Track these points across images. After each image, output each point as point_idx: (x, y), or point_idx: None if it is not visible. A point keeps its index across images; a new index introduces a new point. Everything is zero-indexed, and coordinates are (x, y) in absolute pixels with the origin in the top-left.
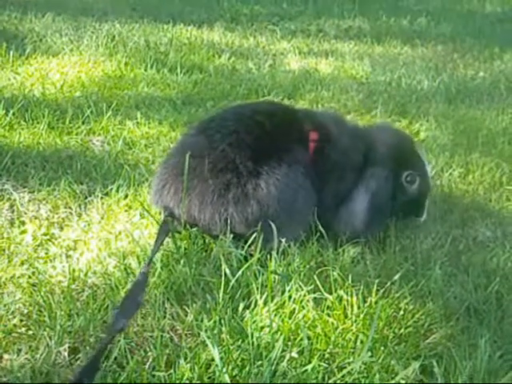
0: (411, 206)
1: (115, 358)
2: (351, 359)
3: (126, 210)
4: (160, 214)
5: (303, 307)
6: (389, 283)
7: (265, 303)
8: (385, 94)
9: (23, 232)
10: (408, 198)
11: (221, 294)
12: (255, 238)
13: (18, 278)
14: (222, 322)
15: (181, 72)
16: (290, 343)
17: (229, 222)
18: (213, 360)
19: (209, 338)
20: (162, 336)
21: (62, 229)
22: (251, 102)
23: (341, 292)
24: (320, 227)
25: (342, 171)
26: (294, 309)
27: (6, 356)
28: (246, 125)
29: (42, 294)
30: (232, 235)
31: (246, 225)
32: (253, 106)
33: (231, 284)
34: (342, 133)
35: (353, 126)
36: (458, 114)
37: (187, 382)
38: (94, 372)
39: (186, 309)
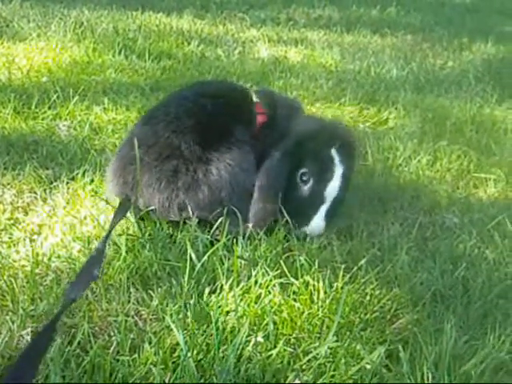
0: (299, 208)
1: (79, 343)
2: (317, 344)
3: (91, 195)
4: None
5: (269, 292)
6: (355, 268)
7: (230, 288)
8: (354, 82)
9: None
10: (297, 197)
11: (186, 279)
12: (221, 222)
13: None
14: (187, 306)
15: (149, 59)
16: (255, 328)
17: (182, 208)
18: (177, 344)
19: (174, 322)
20: (126, 320)
21: (26, 213)
22: (197, 82)
23: (307, 277)
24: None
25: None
26: (260, 294)
27: None
28: (188, 109)
29: (5, 278)
30: (197, 220)
31: (200, 210)
32: (197, 87)
33: (197, 269)
34: (287, 120)
35: (303, 115)
36: (426, 103)
37: (151, 366)
38: (47, 342)
39: (151, 293)
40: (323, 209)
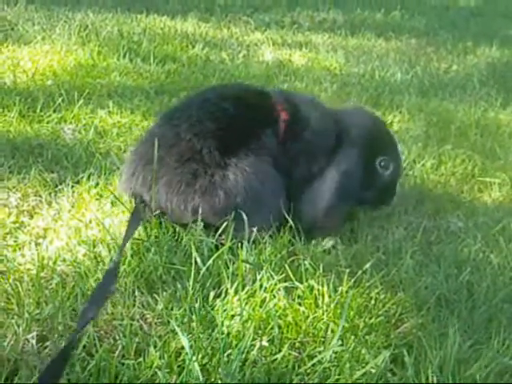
0: (382, 192)
1: (84, 346)
2: (322, 348)
3: (96, 199)
4: (131, 201)
5: (274, 296)
6: (360, 272)
7: (235, 292)
8: (358, 85)
9: None
10: (380, 183)
11: (191, 283)
12: (226, 226)
13: None
14: (192, 310)
15: (154, 62)
16: (260, 332)
17: (196, 211)
18: (182, 348)
19: (179, 326)
20: (131, 324)
21: (31, 217)
22: (219, 85)
23: (312, 281)
24: (288, 217)
25: (313, 152)
26: (265, 298)
27: None
28: (211, 112)
29: (11, 281)
30: (202, 224)
31: (213, 214)
32: (219, 90)
33: (202, 272)
34: (315, 113)
35: (326, 107)
36: (430, 107)
37: (156, 369)
38: (64, 362)
39: (156, 297)
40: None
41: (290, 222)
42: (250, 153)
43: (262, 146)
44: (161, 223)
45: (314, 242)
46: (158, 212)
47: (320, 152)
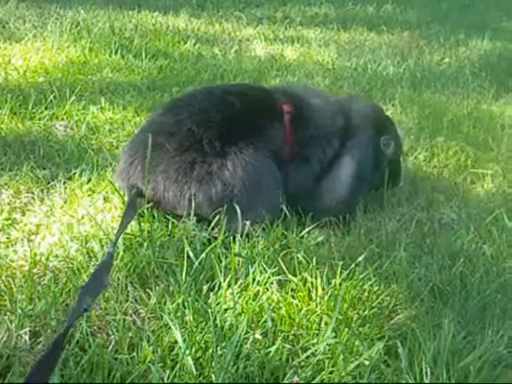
0: (389, 171)
1: (77, 342)
2: (315, 340)
3: (89, 195)
4: (125, 194)
5: (267, 289)
6: (353, 265)
7: (228, 285)
8: (350, 79)
9: None
10: (385, 163)
11: (184, 277)
12: (219, 220)
13: None
14: (186, 304)
15: (146, 58)
16: (253, 325)
17: (192, 201)
18: (176, 342)
19: (172, 320)
20: (124, 319)
21: (23, 213)
22: (224, 83)
23: (305, 274)
24: (284, 208)
25: (325, 135)
26: (258, 291)
27: None
28: (216, 104)
29: (3, 278)
30: (195, 217)
31: (209, 205)
32: (224, 87)
33: (195, 266)
34: (318, 100)
35: (326, 96)
36: (423, 99)
37: (150, 364)
38: (58, 353)
39: (149, 292)
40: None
41: (288, 214)
42: (251, 145)
43: (265, 140)
44: (154, 217)
45: (306, 235)
46: (152, 203)
47: (332, 134)
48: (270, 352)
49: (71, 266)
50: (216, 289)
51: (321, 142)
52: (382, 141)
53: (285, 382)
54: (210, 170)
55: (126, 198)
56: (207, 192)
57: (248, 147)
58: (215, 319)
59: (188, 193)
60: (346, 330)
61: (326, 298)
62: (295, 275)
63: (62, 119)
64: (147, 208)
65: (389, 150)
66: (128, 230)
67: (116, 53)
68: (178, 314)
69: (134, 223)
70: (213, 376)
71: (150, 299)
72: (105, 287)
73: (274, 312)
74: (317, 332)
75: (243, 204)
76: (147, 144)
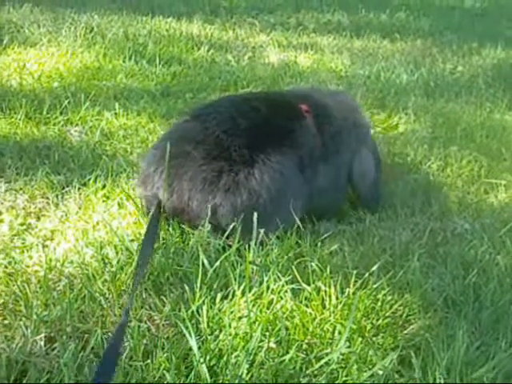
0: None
1: (92, 348)
2: (329, 350)
3: (103, 201)
4: (144, 202)
5: (281, 298)
6: (367, 274)
7: (243, 293)
8: (363, 87)
9: (0, 222)
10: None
11: (198, 285)
12: (233, 228)
13: None
14: (200, 312)
15: (159, 64)
16: (267, 333)
17: (215, 211)
18: (190, 350)
19: (186, 328)
20: (139, 326)
21: (38, 219)
22: (244, 92)
23: (319, 283)
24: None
25: (343, 133)
26: (272, 299)
27: None
28: (242, 110)
29: (19, 283)
30: (213, 225)
31: (233, 214)
32: (246, 94)
33: (209, 274)
34: (326, 98)
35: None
36: (436, 108)
37: (164, 371)
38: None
39: (164, 299)
40: None
41: (298, 223)
42: (278, 151)
43: (293, 143)
44: (168, 225)
45: (320, 243)
46: (174, 211)
47: (348, 126)
48: (284, 361)
49: (86, 272)
50: (230, 297)
51: (342, 135)
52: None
53: None
54: (236, 179)
55: (144, 206)
56: (232, 201)
57: (276, 154)
58: (229, 327)
59: (213, 202)
60: (360, 339)
61: (340, 307)
62: (309, 284)
63: (77, 124)
64: (163, 215)
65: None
66: (143, 237)
67: (130, 58)
68: (193, 321)
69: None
70: None
71: (164, 306)
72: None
73: (288, 321)
74: (330, 341)
75: (267, 212)
76: (172, 151)
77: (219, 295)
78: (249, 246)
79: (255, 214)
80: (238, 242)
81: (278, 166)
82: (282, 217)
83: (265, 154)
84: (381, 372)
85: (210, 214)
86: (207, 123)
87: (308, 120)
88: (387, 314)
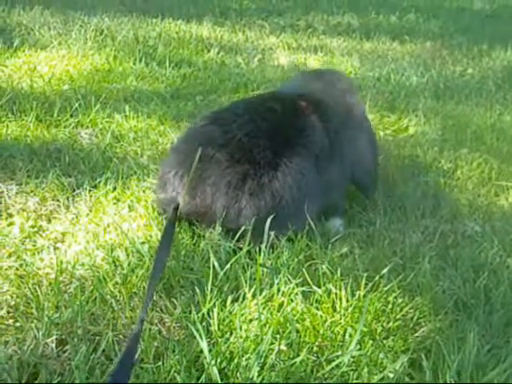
0: None
1: (103, 350)
2: (340, 352)
3: (114, 203)
4: (160, 206)
5: (292, 300)
6: (377, 277)
7: (253, 296)
8: (373, 89)
9: (11, 224)
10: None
11: (209, 287)
12: (244, 230)
13: (6, 270)
14: (211, 314)
15: (169, 66)
16: (278, 336)
17: (240, 214)
18: (201, 352)
19: (197, 330)
20: (150, 328)
21: (49, 221)
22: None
23: (329, 285)
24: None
25: (340, 126)
26: (283, 302)
27: None
28: (260, 112)
29: (30, 286)
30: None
31: (257, 215)
32: (259, 96)
33: (220, 277)
34: (322, 91)
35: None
36: (446, 110)
37: (175, 374)
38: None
39: (175, 301)
40: None
41: (313, 225)
42: (298, 151)
43: (307, 144)
44: (179, 228)
45: (330, 246)
46: (196, 214)
47: (344, 116)
48: (295, 363)
49: (97, 274)
50: (241, 299)
51: (340, 127)
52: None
53: None
54: (261, 182)
55: (160, 208)
56: (257, 205)
57: (296, 155)
58: (240, 329)
59: (237, 205)
60: (371, 342)
61: (351, 309)
62: (319, 286)
63: (87, 127)
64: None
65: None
66: (154, 239)
67: (140, 61)
68: (204, 323)
69: (157, 233)
70: None
71: (175, 309)
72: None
73: (299, 323)
74: (341, 344)
75: (289, 213)
76: (192, 155)
77: (230, 298)
78: (259, 248)
79: (271, 217)
80: (249, 244)
81: (299, 167)
82: (302, 217)
83: (286, 156)
84: (391, 375)
85: (234, 216)
86: (227, 126)
87: (312, 117)
88: (398, 317)
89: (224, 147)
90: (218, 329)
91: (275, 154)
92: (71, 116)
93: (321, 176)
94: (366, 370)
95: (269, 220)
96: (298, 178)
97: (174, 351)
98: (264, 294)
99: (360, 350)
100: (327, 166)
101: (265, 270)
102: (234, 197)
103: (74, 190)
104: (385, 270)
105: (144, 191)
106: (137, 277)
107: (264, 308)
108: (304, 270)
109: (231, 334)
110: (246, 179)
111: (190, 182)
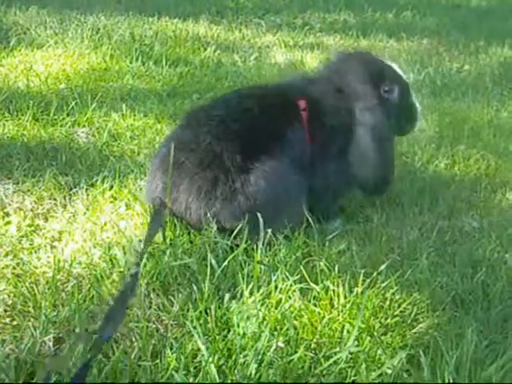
0: (402, 118)
1: (101, 349)
2: (337, 349)
3: (111, 201)
4: (150, 207)
5: (289, 297)
6: (375, 273)
7: (251, 293)
8: None
9: (8, 223)
10: (395, 109)
11: (206, 285)
12: (241, 228)
13: (3, 268)
14: (208, 312)
15: (166, 64)
16: (276, 333)
17: (216, 218)
18: (199, 350)
19: (195, 328)
20: (147, 326)
21: (46, 220)
22: (242, 87)
23: (327, 282)
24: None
25: (340, 128)
26: (281, 299)
27: None
28: (233, 112)
29: (27, 284)
30: (218, 227)
31: (233, 220)
32: (242, 91)
33: (217, 274)
34: (325, 89)
35: (326, 72)
36: (443, 107)
37: (173, 371)
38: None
39: (172, 299)
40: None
41: (310, 219)
42: (272, 155)
43: (287, 144)
44: (176, 225)
45: (328, 243)
46: (177, 217)
47: (345, 119)
48: (293, 360)
49: (94, 272)
50: (238, 296)
51: (338, 130)
52: (383, 89)
53: None
54: (233, 187)
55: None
56: (231, 209)
57: (270, 158)
58: (238, 327)
59: (212, 210)
60: (369, 338)
61: (348, 306)
62: (317, 283)
63: (84, 126)
64: (169, 216)
65: (394, 96)
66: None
67: (137, 60)
68: (201, 321)
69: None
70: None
71: (172, 306)
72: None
73: (296, 320)
74: (339, 340)
75: (268, 217)
76: (168, 160)
77: (227, 295)
78: (256, 246)
79: (259, 217)
80: (246, 242)
81: (272, 169)
82: (280, 220)
83: (258, 160)
84: (389, 371)
85: (210, 221)
86: (198, 129)
87: (303, 116)
88: (396, 313)
89: (194, 152)
90: (216, 326)
91: (247, 158)
92: (68, 115)
93: (304, 178)
94: (363, 366)
95: (246, 224)
96: (272, 181)
97: (171, 349)
98: (262, 291)
99: (358, 346)
100: (315, 167)
101: (262, 267)
102: (207, 202)
103: (70, 189)
104: (383, 267)
105: (141, 189)
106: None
107: (262, 305)
108: (302, 266)
109: (229, 331)
110: (218, 184)
111: (164, 187)
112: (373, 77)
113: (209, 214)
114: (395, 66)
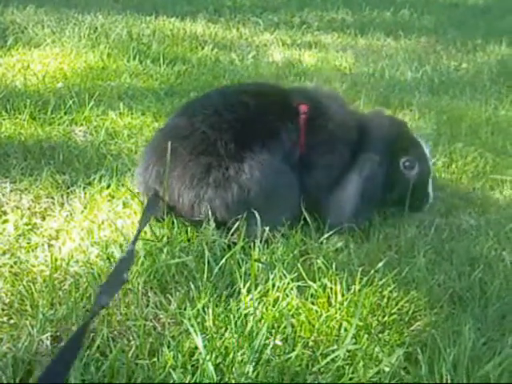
0: (412, 194)
1: (98, 347)
2: (335, 347)
3: (108, 200)
4: (143, 198)
5: (287, 295)
6: (372, 271)
7: (248, 291)
8: (368, 84)
9: (5, 222)
10: (407, 185)
11: (204, 283)
12: (238, 225)
13: (0, 267)
14: (206, 310)
15: (164, 63)
16: (273, 331)
17: (209, 206)
18: (196, 348)
19: (192, 326)
20: (144, 325)
21: (44, 218)
22: (240, 83)
23: (325, 280)
24: (305, 213)
25: (335, 144)
26: (278, 297)
27: None
28: (229, 104)
29: (24, 283)
30: (215, 224)
31: (226, 209)
32: (240, 86)
33: (214, 272)
34: (334, 106)
35: (346, 104)
36: (441, 105)
37: (170, 370)
38: (75, 352)
39: (169, 297)
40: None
41: (307, 217)
42: (266, 147)
43: (280, 141)
44: (173, 223)
45: (325, 241)
46: (169, 208)
47: (343, 144)
48: (290, 358)
49: (91, 271)
50: (236, 294)
51: (331, 149)
52: (403, 162)
53: None
54: (227, 174)
55: (144, 202)
56: (224, 197)
57: (263, 150)
58: (235, 325)
59: (204, 198)
60: (366, 336)
61: (346, 304)
62: (315, 281)
63: (81, 124)
64: (167, 213)
65: (412, 173)
66: (148, 236)
67: (134, 58)
68: (199, 319)
69: (154, 229)
70: (233, 382)
71: (170, 305)
72: (124, 282)
73: (294, 318)
74: (336, 338)
75: (260, 207)
76: (161, 148)
77: (225, 293)
78: (254, 243)
79: (252, 209)
80: (243, 239)
81: (266, 159)
82: (276, 210)
83: (252, 150)
84: (387, 369)
85: (202, 209)
86: (193, 118)
87: (300, 121)
88: (393, 311)
89: (187, 139)
90: (213, 324)
91: (241, 147)
92: (65, 114)
93: (300, 175)
94: (361, 363)
95: (240, 216)
96: (266, 170)
97: (169, 347)
98: (259, 289)
99: (355, 344)
100: (301, 170)
101: (260, 265)
102: (199, 189)
103: (68, 188)
104: (380, 264)
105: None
106: (131, 273)
107: (259, 303)
108: (299, 264)
109: (226, 329)
110: (210, 171)
111: (158, 175)
112: (399, 144)
113: (201, 202)
114: (425, 147)
